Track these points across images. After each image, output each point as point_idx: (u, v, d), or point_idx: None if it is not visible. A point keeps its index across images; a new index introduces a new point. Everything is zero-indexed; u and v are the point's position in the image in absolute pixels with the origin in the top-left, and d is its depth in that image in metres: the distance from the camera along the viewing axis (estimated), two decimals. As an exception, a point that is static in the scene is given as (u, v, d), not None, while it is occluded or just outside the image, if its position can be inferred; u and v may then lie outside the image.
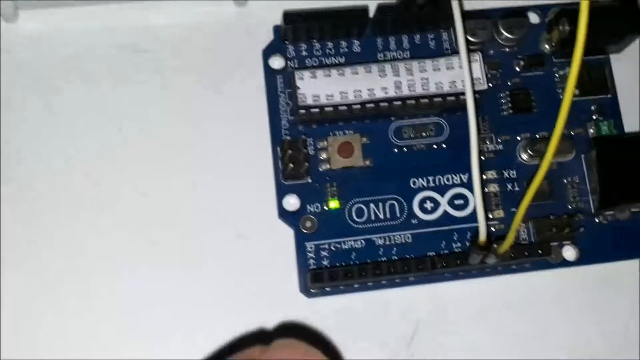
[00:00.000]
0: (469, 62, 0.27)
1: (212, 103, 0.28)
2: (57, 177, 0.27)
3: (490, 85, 0.29)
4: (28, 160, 0.27)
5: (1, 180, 0.27)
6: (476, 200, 0.25)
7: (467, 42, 0.28)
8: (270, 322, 0.26)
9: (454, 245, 0.27)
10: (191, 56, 0.28)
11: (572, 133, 0.29)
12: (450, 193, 0.28)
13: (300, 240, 0.27)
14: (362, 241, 0.27)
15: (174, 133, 0.28)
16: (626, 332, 0.27)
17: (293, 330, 0.26)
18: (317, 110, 0.27)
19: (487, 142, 0.28)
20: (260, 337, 0.25)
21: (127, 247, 0.26)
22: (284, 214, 0.27)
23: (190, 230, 0.27)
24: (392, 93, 0.27)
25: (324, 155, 0.27)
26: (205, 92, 0.28)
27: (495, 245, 0.25)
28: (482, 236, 0.25)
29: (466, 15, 0.29)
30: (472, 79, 0.26)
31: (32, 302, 0.26)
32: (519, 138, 0.29)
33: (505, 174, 0.28)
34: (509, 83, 0.29)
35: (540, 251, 0.26)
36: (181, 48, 0.28)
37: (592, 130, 0.29)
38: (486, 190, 0.28)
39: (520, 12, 0.29)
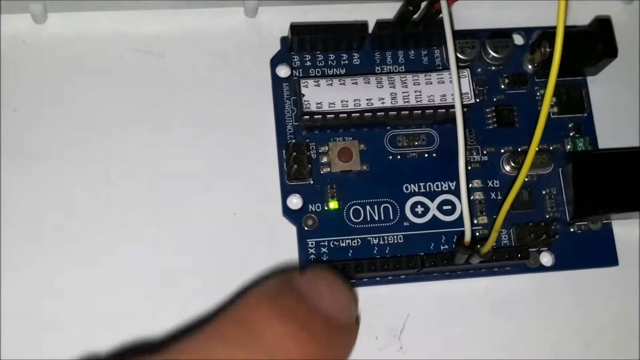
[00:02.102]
0: (459, 77, 0.31)
1: (221, 107, 0.33)
2: (72, 163, 0.31)
3: (478, 100, 0.34)
4: (45, 152, 0.31)
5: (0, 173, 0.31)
6: (462, 203, 0.29)
7: (457, 59, 0.33)
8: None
9: (441, 247, 0.32)
10: (203, 62, 0.33)
11: (550, 148, 0.34)
12: (439, 199, 0.33)
13: (303, 237, 0.31)
14: (359, 240, 0.32)
15: (185, 134, 0.32)
16: (599, 333, 0.32)
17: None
18: (319, 116, 0.31)
19: (474, 153, 0.33)
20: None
21: (136, 247, 0.31)
22: (287, 212, 0.32)
23: (201, 226, 0.31)
24: (388, 103, 0.31)
25: (325, 159, 0.32)
26: (216, 96, 0.33)
27: (478, 246, 0.30)
28: (467, 236, 0.29)
29: (456, 34, 0.33)
30: (461, 93, 0.31)
31: (32, 303, 0.30)
32: (502, 151, 0.34)
33: (490, 184, 0.33)
34: (494, 99, 0.34)
35: (519, 255, 0.31)
36: (195, 54, 0.33)
37: (569, 146, 0.34)
38: (472, 197, 0.33)
39: (506, 34, 0.34)
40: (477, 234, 0.32)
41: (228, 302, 0.30)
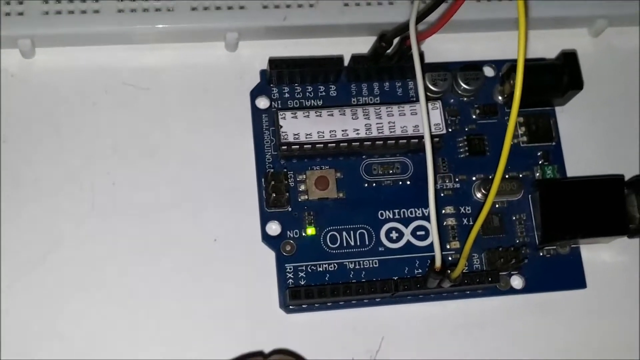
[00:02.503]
0: (428, 110, 0.32)
1: (203, 137, 0.34)
2: (59, 192, 0.33)
3: (450, 130, 0.35)
4: (32, 182, 0.32)
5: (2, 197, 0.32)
6: (432, 230, 0.30)
7: (429, 91, 0.35)
8: (251, 334, 0.32)
9: (415, 271, 0.33)
10: (186, 94, 0.34)
11: (520, 175, 0.35)
12: (413, 225, 0.34)
13: (281, 262, 0.32)
14: (335, 264, 0.33)
15: (168, 163, 0.33)
16: (567, 353, 0.34)
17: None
18: (297, 146, 0.33)
19: (446, 181, 0.35)
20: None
21: (120, 272, 0.32)
22: (266, 238, 0.33)
23: (183, 251, 0.32)
24: (363, 134, 0.33)
25: (302, 187, 0.33)
26: (198, 126, 0.34)
27: (449, 271, 0.31)
28: (438, 262, 0.31)
29: (428, 67, 0.35)
30: (430, 125, 0.32)
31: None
32: (474, 178, 0.35)
33: (462, 210, 0.34)
34: (466, 129, 0.35)
35: (490, 278, 0.32)
36: (178, 87, 0.34)
37: (538, 174, 0.35)
38: (444, 223, 0.34)
39: (476, 66, 0.36)
40: (450, 258, 0.34)
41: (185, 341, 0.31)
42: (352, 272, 0.33)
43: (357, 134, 0.33)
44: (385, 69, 0.35)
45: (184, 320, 0.32)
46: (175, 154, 0.34)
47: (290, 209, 0.33)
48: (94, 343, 0.31)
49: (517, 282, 0.34)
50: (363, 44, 0.35)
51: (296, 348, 0.32)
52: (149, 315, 0.32)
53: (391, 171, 0.34)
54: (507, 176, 0.35)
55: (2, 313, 0.31)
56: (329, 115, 0.33)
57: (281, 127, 0.32)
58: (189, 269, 0.32)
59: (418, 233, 0.34)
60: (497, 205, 0.35)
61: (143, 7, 0.34)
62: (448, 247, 0.34)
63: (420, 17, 0.32)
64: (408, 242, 0.34)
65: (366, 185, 0.34)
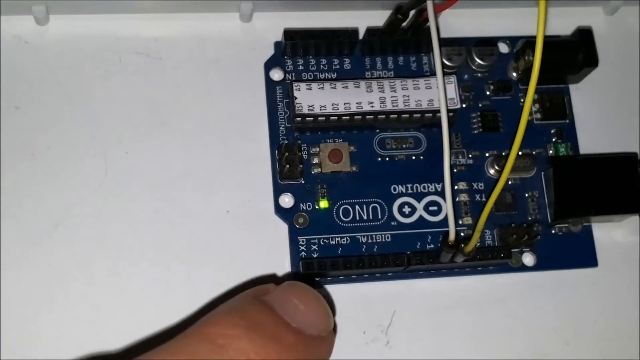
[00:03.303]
0: (444, 83, 0.32)
1: (217, 108, 0.34)
2: (66, 167, 0.32)
3: (464, 105, 0.35)
4: (44, 150, 0.32)
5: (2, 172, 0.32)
6: (447, 202, 0.30)
7: (444, 66, 0.34)
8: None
9: (427, 246, 0.33)
10: (200, 65, 0.34)
11: (533, 152, 0.35)
12: (426, 200, 0.34)
13: (294, 234, 0.32)
14: (348, 238, 0.33)
15: (181, 134, 0.33)
16: (577, 331, 0.34)
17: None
18: (311, 119, 0.32)
19: (460, 157, 0.35)
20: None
21: (132, 243, 0.32)
22: (279, 210, 0.33)
23: (195, 222, 0.32)
24: (377, 107, 0.32)
25: (316, 160, 0.33)
26: (211, 98, 0.34)
27: (462, 245, 0.31)
28: (452, 235, 0.31)
29: (443, 42, 0.35)
30: (446, 98, 0.32)
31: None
32: (487, 154, 0.35)
33: (475, 186, 0.34)
34: (480, 104, 0.35)
35: (502, 255, 0.32)
36: (192, 57, 0.34)
37: (551, 151, 0.35)
38: (457, 199, 0.34)
39: (491, 42, 0.36)
40: (462, 234, 0.34)
41: (198, 315, 0.31)
42: (364, 246, 0.33)
43: (372, 106, 0.33)
44: (400, 41, 0.34)
45: (195, 291, 0.31)
46: (188, 124, 0.33)
47: (303, 182, 0.33)
48: (106, 311, 0.31)
49: (528, 259, 0.34)
50: (378, 18, 0.35)
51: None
52: (159, 286, 0.31)
53: (404, 146, 0.34)
54: (520, 153, 0.35)
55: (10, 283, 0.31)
56: (343, 87, 0.33)
57: (295, 98, 0.32)
58: (201, 240, 0.32)
59: (430, 208, 0.34)
60: (510, 182, 0.34)
61: (158, -24, 0.33)
62: (460, 222, 0.34)
63: (437, -10, 0.32)
64: (420, 217, 0.33)
65: (379, 159, 0.34)
